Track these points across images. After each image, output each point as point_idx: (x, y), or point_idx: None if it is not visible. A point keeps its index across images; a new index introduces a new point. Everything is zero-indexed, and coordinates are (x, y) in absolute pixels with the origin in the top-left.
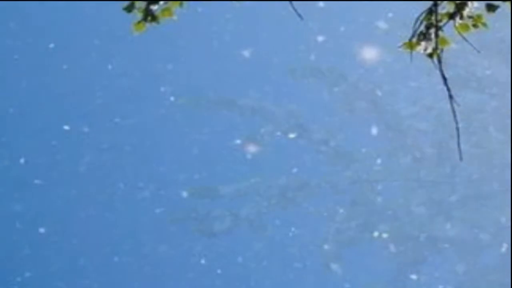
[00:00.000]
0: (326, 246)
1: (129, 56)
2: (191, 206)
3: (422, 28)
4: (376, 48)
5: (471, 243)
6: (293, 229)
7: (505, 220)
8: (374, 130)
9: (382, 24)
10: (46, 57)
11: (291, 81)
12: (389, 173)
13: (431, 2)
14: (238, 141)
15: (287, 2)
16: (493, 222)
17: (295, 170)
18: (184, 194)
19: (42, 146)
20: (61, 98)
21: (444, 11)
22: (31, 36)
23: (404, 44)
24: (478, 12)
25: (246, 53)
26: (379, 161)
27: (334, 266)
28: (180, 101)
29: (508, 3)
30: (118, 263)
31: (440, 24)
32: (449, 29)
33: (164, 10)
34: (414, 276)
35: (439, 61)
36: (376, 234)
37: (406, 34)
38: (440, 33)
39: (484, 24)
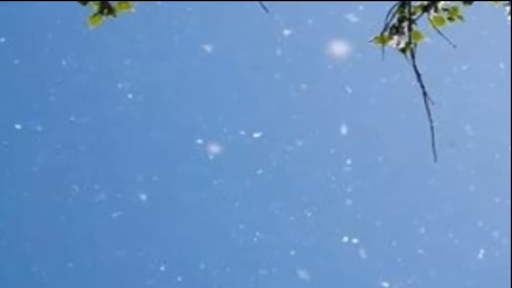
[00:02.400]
0: (292, 252)
1: (84, 51)
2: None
3: (394, 21)
4: (346, 42)
5: (446, 248)
6: (258, 233)
7: (482, 224)
8: (344, 129)
9: (352, 17)
10: None
11: (256, 77)
12: (359, 174)
13: None
14: (200, 141)
15: None
16: (470, 226)
17: (260, 171)
18: (143, 196)
19: None
20: (12, 95)
21: (417, 3)
22: None
23: (376, 38)
24: (454, 4)
25: (208, 48)
26: (349, 161)
27: (302, 273)
28: (138, 99)
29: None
30: (73, 269)
31: (414, 17)
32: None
33: (121, 2)
34: (386, 284)
35: (413, 57)
36: (345, 239)
37: (377, 27)
38: (413, 26)
39: (461, 17)
